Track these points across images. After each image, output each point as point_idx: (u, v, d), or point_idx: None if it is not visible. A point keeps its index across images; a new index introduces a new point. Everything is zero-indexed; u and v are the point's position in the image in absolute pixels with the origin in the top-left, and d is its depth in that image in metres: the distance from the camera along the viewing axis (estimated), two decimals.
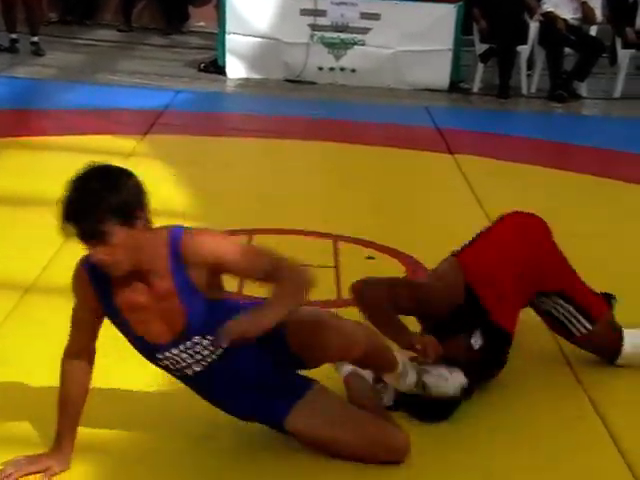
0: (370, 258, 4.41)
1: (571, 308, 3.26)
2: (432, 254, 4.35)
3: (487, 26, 8.64)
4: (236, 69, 8.87)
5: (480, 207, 5.18)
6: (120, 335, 2.64)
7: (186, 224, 4.44)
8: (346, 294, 3.95)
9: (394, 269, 4.25)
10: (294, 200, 5.23)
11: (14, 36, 9.11)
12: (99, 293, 2.52)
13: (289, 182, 5.62)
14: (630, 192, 5.74)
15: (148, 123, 6.67)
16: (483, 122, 7.66)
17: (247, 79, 8.82)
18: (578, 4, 8.75)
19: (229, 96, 8.49)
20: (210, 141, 6.49)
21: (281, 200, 5.22)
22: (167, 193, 5.14)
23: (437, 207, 5.29)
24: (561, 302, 3.27)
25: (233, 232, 4.52)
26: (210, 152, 6.26)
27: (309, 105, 7.94)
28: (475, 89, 8.80)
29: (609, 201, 5.57)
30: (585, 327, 3.28)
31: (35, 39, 9.13)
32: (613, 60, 9.10)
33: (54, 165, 5.58)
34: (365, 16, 8.78)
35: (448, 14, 8.74)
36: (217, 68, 8.95)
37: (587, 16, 8.74)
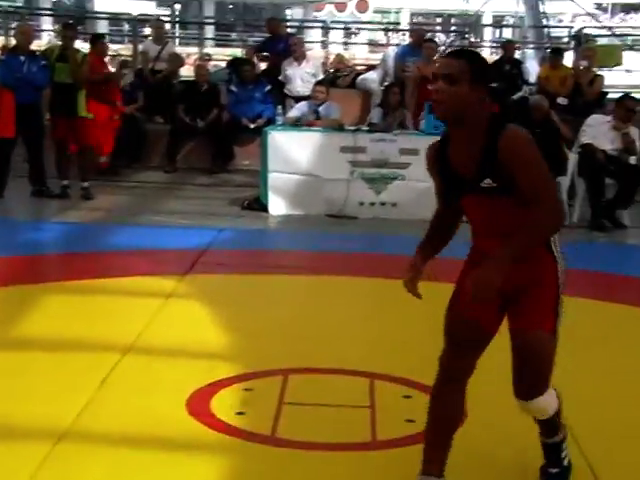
0: (407, 397, 4.34)
1: None
2: (469, 391, 4.30)
3: None
4: (278, 206, 9.02)
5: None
6: None
7: (220, 366, 4.57)
8: (381, 436, 3.89)
9: None
10: (331, 338, 5.22)
11: (65, 182, 9.41)
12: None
13: (327, 319, 5.62)
14: None
15: (189, 262, 6.77)
16: None
17: (289, 215, 8.96)
18: (616, 135, 8.81)
19: (271, 233, 8.61)
20: (250, 279, 6.54)
21: (318, 338, 5.20)
22: (203, 334, 5.18)
23: None
24: None
25: (267, 373, 4.54)
26: (250, 291, 6.30)
27: (350, 240, 8.01)
28: None
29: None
30: None
31: (85, 184, 9.42)
32: None
33: (93, 309, 5.68)
34: (404, 151, 8.94)
35: None
36: (260, 205, 9.12)
37: (628, 147, 8.79)
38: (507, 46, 12.87)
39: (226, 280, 6.49)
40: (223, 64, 14.36)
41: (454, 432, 3.28)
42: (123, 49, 16.17)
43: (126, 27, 21.72)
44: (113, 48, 20.53)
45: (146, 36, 13.98)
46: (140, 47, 12.90)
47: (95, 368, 4.50)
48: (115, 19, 24.97)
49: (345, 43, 20.08)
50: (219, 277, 6.55)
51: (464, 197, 3.10)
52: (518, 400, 3.18)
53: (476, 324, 3.20)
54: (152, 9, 37.77)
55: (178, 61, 12.68)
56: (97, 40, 11.10)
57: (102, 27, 30.16)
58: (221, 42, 23.88)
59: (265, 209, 9.04)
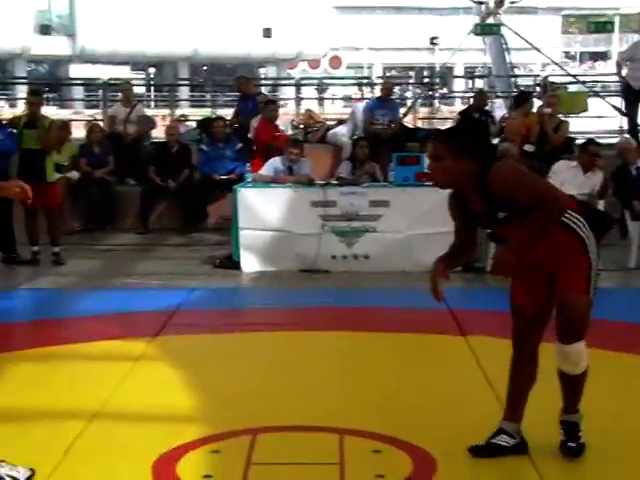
0: (376, 452, 4.27)
1: None
2: (441, 444, 4.26)
3: None
4: (250, 263, 8.99)
5: (491, 389, 5.07)
6: None
7: (186, 429, 4.50)
8: None
9: (401, 462, 4.11)
10: (301, 394, 5.15)
11: (35, 249, 9.34)
12: None
13: (298, 375, 5.55)
14: None
15: (160, 324, 6.70)
16: (496, 301, 7.56)
17: (262, 272, 8.92)
18: (584, 180, 8.87)
19: (243, 290, 8.56)
20: (221, 339, 6.49)
21: (288, 395, 5.14)
22: (171, 396, 5.11)
23: (447, 393, 5.16)
24: None
25: (234, 433, 4.47)
26: (220, 350, 6.24)
27: (323, 294, 7.97)
28: (488, 267, 8.79)
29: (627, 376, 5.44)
30: None
31: (56, 249, 9.36)
32: (624, 233, 9.14)
33: (60, 376, 5.59)
34: (374, 204, 8.94)
35: None
36: (232, 263, 9.08)
37: (603, 191, 8.84)
38: (478, 96, 13.04)
39: (196, 340, 6.42)
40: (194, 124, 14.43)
41: (527, 392, 4.11)
42: (98, 114, 16.24)
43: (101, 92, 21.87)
44: (88, 113, 20.70)
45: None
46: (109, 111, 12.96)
47: (59, 436, 4.42)
48: (86, 85, 25.14)
49: (319, 99, 20.25)
50: (189, 338, 6.48)
51: (496, 227, 3.98)
52: (560, 345, 3.92)
53: (524, 307, 4.01)
54: (126, 73, 38.12)
55: (148, 123, 12.72)
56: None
57: (78, 93, 30.43)
58: (195, 103, 24.08)
59: (237, 267, 8.99)
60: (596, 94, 14.81)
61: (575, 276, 3.85)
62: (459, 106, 23.53)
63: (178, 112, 17.31)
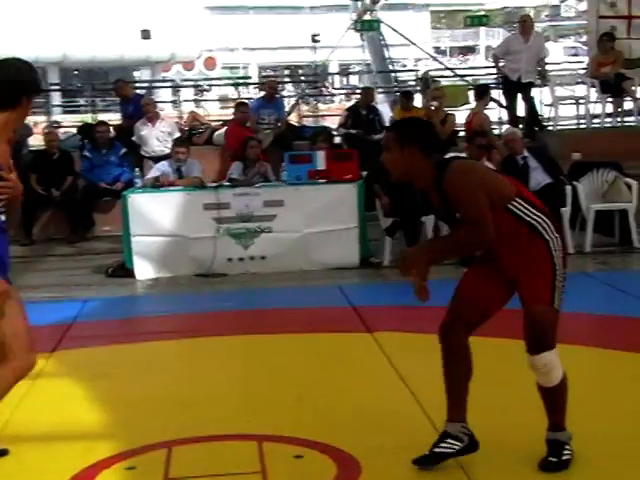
0: (298, 457, 4.18)
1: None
2: (362, 444, 4.19)
3: (389, 201, 8.79)
4: (145, 270, 8.75)
5: (405, 386, 5.04)
6: None
7: (97, 446, 4.30)
8: None
9: (325, 466, 4.03)
10: (213, 402, 5.00)
11: None
12: None
13: (207, 383, 5.40)
14: None
15: (56, 338, 6.43)
16: (397, 296, 7.60)
17: (157, 279, 8.70)
18: None
19: (139, 299, 8.32)
20: (122, 349, 6.27)
21: (200, 403, 4.98)
22: (76, 413, 4.89)
23: (360, 391, 5.10)
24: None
25: (149, 447, 4.30)
26: (123, 361, 6.02)
27: (221, 298, 7.81)
28: (386, 262, 8.84)
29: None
30: None
31: None
32: None
33: None
34: (269, 204, 8.85)
35: (349, 193, 8.88)
36: (126, 271, 8.82)
37: None
38: (365, 92, 13.05)
39: (97, 353, 6.19)
40: (73, 130, 14.01)
41: (465, 387, 3.88)
42: None
43: None
44: None
45: None
46: None
47: None
48: None
49: (196, 100, 19.98)
50: (89, 350, 6.24)
51: (455, 225, 3.77)
52: (528, 356, 3.77)
53: (467, 297, 3.84)
54: None
55: (25, 130, 12.26)
56: None
57: None
58: (68, 109, 23.38)
59: (131, 274, 8.75)
60: (472, 87, 15.09)
61: (540, 286, 3.69)
62: (337, 104, 23.67)
63: (52, 119, 16.76)
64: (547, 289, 3.69)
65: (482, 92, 11.99)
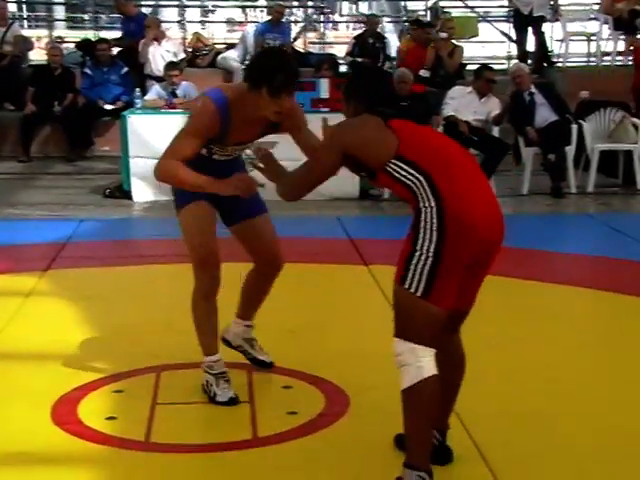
0: (287, 387, 4.16)
1: None
2: (352, 378, 4.17)
3: None
4: (142, 193, 8.67)
5: None
6: None
7: (86, 368, 4.28)
8: (263, 432, 3.70)
9: (313, 398, 4.01)
10: None
11: None
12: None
13: None
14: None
15: (49, 257, 6.39)
16: (395, 229, 7.51)
17: (154, 202, 8.62)
18: (479, 106, 8.88)
19: (135, 221, 8.25)
20: (115, 272, 6.23)
21: (191, 329, 4.90)
22: (67, 334, 4.86)
23: (354, 325, 5.08)
24: None
25: (137, 372, 4.28)
26: (115, 283, 5.99)
27: (218, 225, 7.71)
28: (386, 195, 8.75)
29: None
30: None
31: None
32: (518, 159, 9.22)
33: None
34: None
35: None
36: (123, 193, 8.75)
37: (501, 117, 8.89)
38: (370, 20, 12.82)
39: (90, 274, 6.15)
40: None
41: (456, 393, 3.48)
42: None
43: None
44: None
45: None
46: None
47: None
48: None
49: (202, 22, 19.61)
50: (82, 271, 6.20)
51: None
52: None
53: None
54: None
55: (26, 44, 12.06)
56: None
57: None
58: (72, 24, 22.98)
59: (128, 196, 8.68)
60: (484, 19, 14.82)
61: (399, 259, 3.22)
62: (344, 31, 23.26)
63: (55, 34, 16.49)
64: (400, 265, 3.19)
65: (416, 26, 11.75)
